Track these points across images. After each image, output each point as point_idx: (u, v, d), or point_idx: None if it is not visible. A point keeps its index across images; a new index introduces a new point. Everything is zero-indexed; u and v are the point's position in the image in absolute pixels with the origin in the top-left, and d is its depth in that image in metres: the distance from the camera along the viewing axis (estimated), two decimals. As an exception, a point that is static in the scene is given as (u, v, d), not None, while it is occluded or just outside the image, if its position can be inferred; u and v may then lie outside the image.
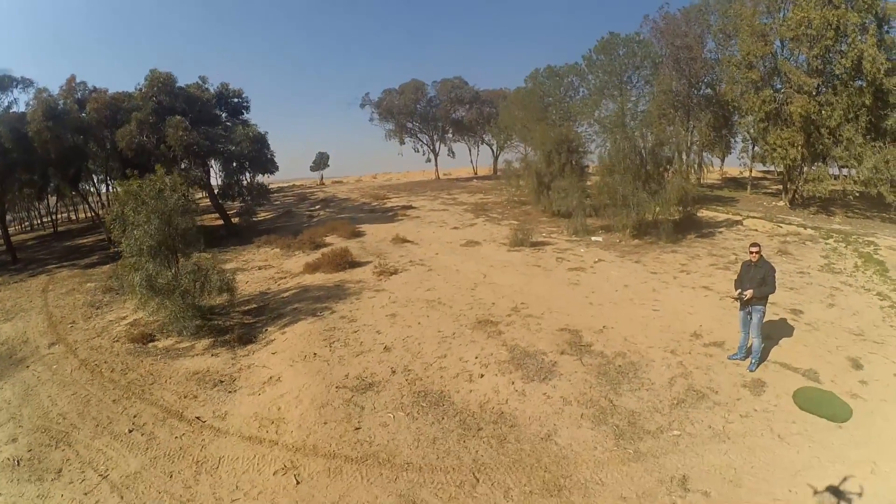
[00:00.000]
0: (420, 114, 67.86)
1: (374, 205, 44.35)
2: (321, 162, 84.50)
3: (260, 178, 38.30)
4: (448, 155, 73.61)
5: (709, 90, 38.13)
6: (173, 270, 15.90)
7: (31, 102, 31.74)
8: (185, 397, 12.21)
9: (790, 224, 26.95)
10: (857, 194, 29.71)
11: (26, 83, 34.16)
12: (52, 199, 52.06)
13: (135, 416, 11.43)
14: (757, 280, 11.50)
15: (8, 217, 55.92)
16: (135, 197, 15.89)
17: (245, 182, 36.82)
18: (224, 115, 36.55)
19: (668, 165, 27.46)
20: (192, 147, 31.21)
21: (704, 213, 29.94)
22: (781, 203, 32.83)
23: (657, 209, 25.29)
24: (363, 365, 13.06)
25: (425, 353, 13.52)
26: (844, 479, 8.16)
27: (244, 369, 13.47)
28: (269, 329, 16.10)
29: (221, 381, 12.87)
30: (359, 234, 30.78)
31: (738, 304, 12.19)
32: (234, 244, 31.71)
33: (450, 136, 70.80)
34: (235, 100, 37.92)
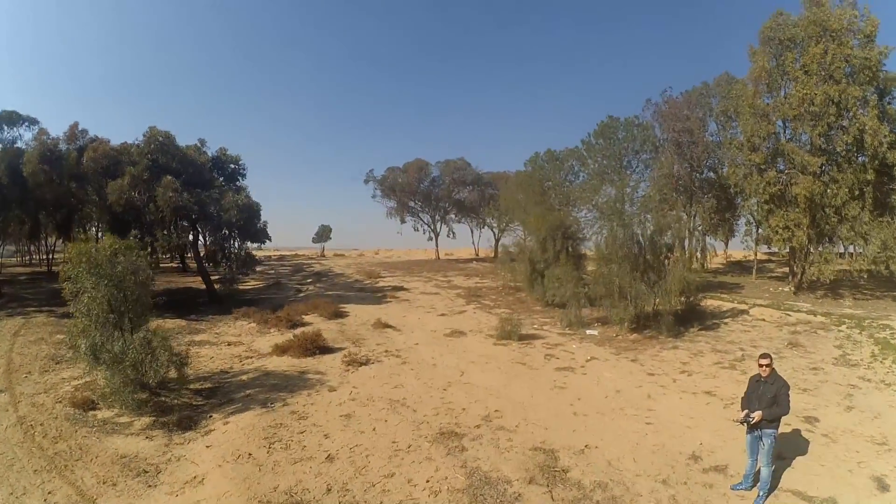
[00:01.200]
0: (422, 193, 67.46)
1: (366, 283, 42.83)
2: (323, 234, 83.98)
3: (251, 247, 36.99)
4: (448, 236, 72.78)
5: (711, 173, 37.13)
6: (121, 341, 14.67)
7: (30, 143, 32.42)
8: (104, 483, 10.64)
9: (799, 311, 25.16)
10: (865, 275, 28.39)
11: (31, 122, 34.73)
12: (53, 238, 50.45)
13: (49, 493, 10.21)
14: (767, 399, 9.63)
15: (11, 248, 55.75)
16: (87, 258, 14.86)
17: (232, 250, 35.38)
18: (220, 179, 35.57)
19: (669, 253, 25.75)
20: (180, 209, 30.28)
21: (708, 303, 27.96)
22: (788, 288, 31.29)
23: (657, 301, 23.35)
24: (298, 476, 11.00)
25: (371, 468, 11.37)
26: None
27: (173, 461, 11.63)
28: (214, 416, 14.43)
29: (146, 472, 11.10)
30: (341, 315, 29.09)
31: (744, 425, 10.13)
32: (213, 312, 30.37)
33: (452, 216, 70.52)
34: (232, 166, 37.64)
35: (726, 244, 47.42)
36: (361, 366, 19.45)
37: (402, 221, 69.30)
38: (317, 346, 21.45)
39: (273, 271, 56.12)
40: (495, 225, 62.45)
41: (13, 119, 34.17)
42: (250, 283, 44.14)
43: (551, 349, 21.71)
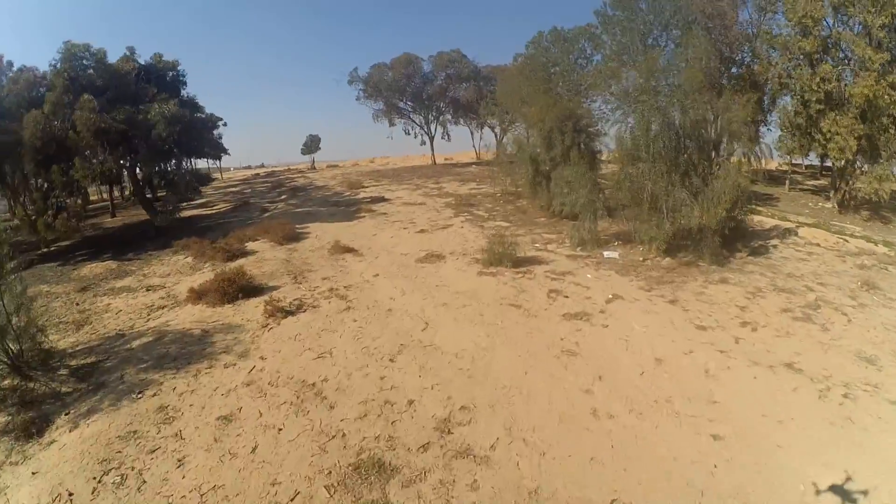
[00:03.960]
0: (413, 92, 58.39)
1: (347, 195, 36.78)
2: (312, 145, 76.82)
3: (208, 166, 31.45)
4: (443, 138, 64.06)
5: (740, 69, 29.90)
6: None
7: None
8: None
9: (854, 236, 20.97)
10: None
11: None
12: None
13: None
14: None
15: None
16: None
17: (170, 171, 29.37)
18: (157, 92, 28.75)
19: (716, 152, 19.42)
20: (102, 133, 24.59)
21: (749, 218, 21.95)
22: (829, 205, 26.73)
23: (701, 214, 17.16)
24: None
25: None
26: None
27: (-6, 495, 7.57)
28: (64, 417, 9.95)
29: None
30: (295, 238, 23.33)
31: None
32: (155, 247, 25.02)
33: (448, 117, 62.76)
34: (170, 73, 30.89)
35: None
36: (288, 315, 13.95)
37: (391, 125, 61.56)
38: (240, 288, 15.90)
39: (249, 190, 50.18)
40: (497, 125, 55.01)
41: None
42: (217, 208, 38.34)
43: (557, 280, 15.94)
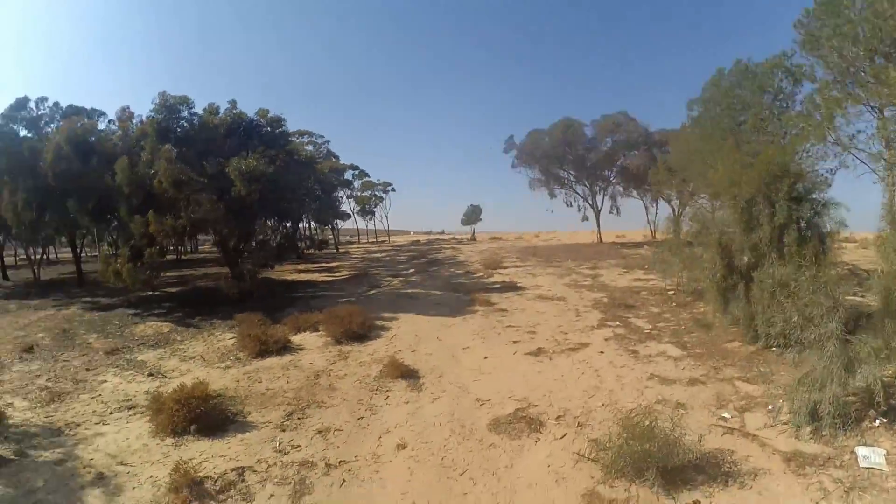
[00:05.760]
0: (574, 160, 51.19)
1: (477, 277, 30.05)
2: (472, 216, 73.00)
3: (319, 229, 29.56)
4: (611, 212, 54.97)
5: None
6: None
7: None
8: None
9: None
10: None
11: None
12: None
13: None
14: None
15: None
16: None
17: (257, 233, 26.45)
18: (264, 148, 26.21)
19: None
20: (182, 184, 22.88)
21: None
22: None
23: None
24: None
25: None
26: None
27: None
28: None
29: None
30: (362, 337, 17.12)
31: None
32: (224, 314, 21.92)
33: (618, 188, 52.79)
34: (267, 129, 28.26)
35: None
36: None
37: (552, 195, 53.81)
38: (191, 418, 10.58)
39: (388, 258, 46.54)
40: (674, 197, 44.89)
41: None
42: (336, 274, 34.86)
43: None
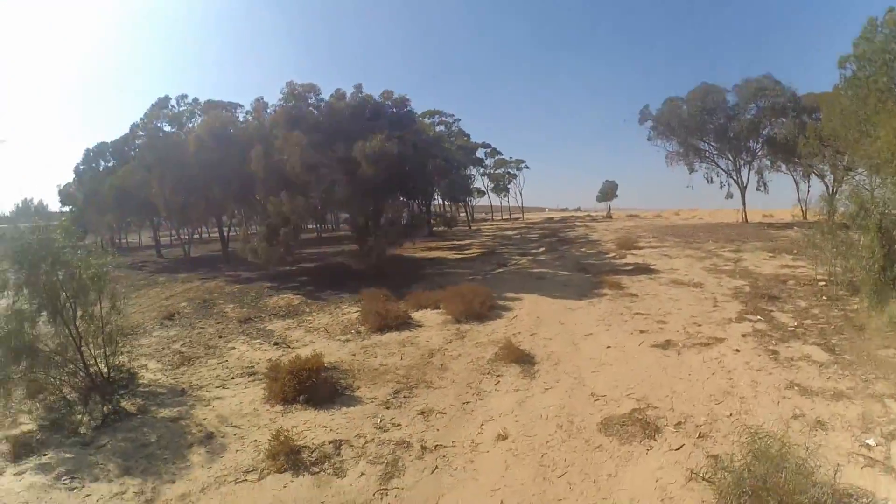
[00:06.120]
0: (715, 130, 46.42)
1: (609, 257, 28.56)
2: (608, 192, 69.57)
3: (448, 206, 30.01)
4: (758, 189, 48.79)
5: None
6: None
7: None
8: None
9: None
10: None
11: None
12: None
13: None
14: None
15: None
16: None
17: (384, 211, 27.14)
18: (390, 129, 26.90)
19: None
20: (312, 168, 24.34)
21: None
22: None
23: None
24: None
25: None
26: None
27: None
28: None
29: None
30: (482, 317, 16.77)
31: None
32: (351, 289, 22.58)
33: (766, 161, 46.83)
34: (393, 109, 29.13)
35: None
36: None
37: (691, 170, 49.13)
38: (300, 389, 10.88)
39: (518, 236, 45.88)
40: (827, 171, 38.79)
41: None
42: (465, 252, 34.84)
43: None
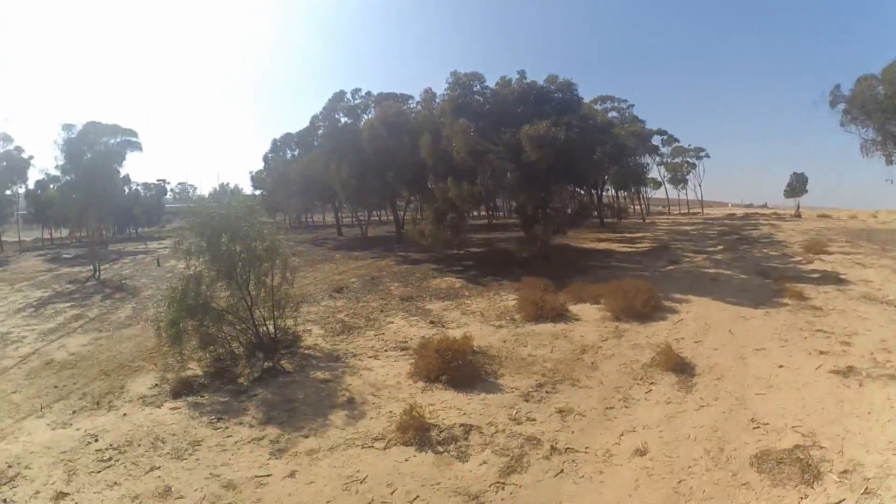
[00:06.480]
0: None
1: (794, 261, 25.60)
2: (797, 187, 61.53)
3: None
4: None
5: None
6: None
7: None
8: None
9: None
10: None
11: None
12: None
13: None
14: None
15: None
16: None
17: (545, 199, 26.78)
18: (555, 114, 26.18)
19: None
20: (478, 154, 25.01)
21: None
22: None
23: None
24: None
25: None
26: None
27: None
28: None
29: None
30: (643, 317, 15.97)
31: None
32: (513, 276, 23.07)
33: None
34: (558, 94, 27.90)
35: None
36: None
37: (889, 162, 40.75)
38: (448, 370, 11.23)
39: (696, 232, 42.73)
40: None
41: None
42: (637, 245, 33.63)
43: None
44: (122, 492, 7.79)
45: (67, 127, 34.30)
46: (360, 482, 7.74)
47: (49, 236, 63.30)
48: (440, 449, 8.50)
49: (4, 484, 8.09)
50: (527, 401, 10.20)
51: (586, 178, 29.39)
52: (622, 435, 8.92)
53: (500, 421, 9.34)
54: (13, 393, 12.15)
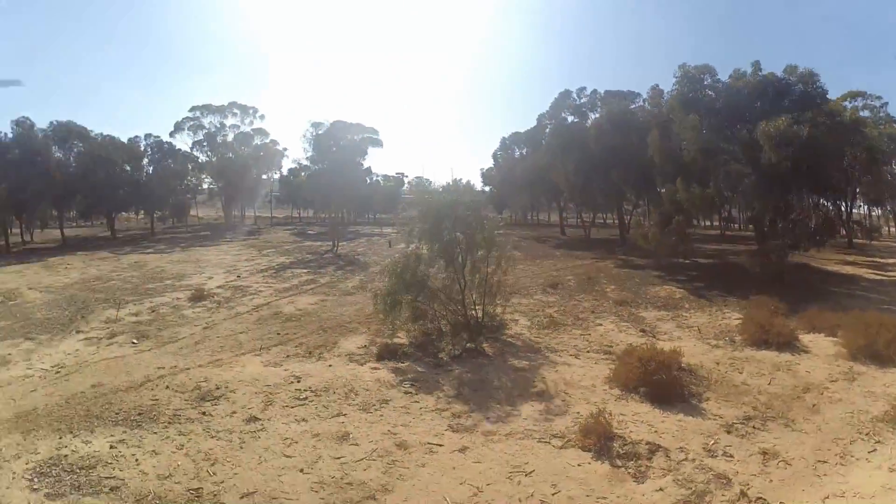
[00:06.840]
0: None
1: None
2: None
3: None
4: None
5: None
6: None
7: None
8: None
9: None
10: None
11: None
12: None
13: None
14: None
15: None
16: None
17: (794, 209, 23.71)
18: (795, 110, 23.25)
19: None
20: (709, 154, 23.45)
21: None
22: None
23: None
24: None
25: None
26: None
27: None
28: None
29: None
30: (883, 359, 13.09)
31: None
32: (741, 293, 20.75)
33: None
34: (799, 86, 25.06)
35: None
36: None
37: None
38: (648, 383, 10.65)
39: None
40: None
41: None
42: (889, 273, 28.22)
43: None
44: (306, 427, 8.98)
45: (316, 124, 40.54)
46: (526, 475, 7.72)
47: (297, 215, 76.65)
48: (618, 462, 8.06)
49: (209, 401, 9.68)
50: (728, 432, 9.14)
51: (833, 186, 25.56)
52: (827, 498, 7.33)
53: (693, 448, 8.50)
54: (241, 333, 14.82)
